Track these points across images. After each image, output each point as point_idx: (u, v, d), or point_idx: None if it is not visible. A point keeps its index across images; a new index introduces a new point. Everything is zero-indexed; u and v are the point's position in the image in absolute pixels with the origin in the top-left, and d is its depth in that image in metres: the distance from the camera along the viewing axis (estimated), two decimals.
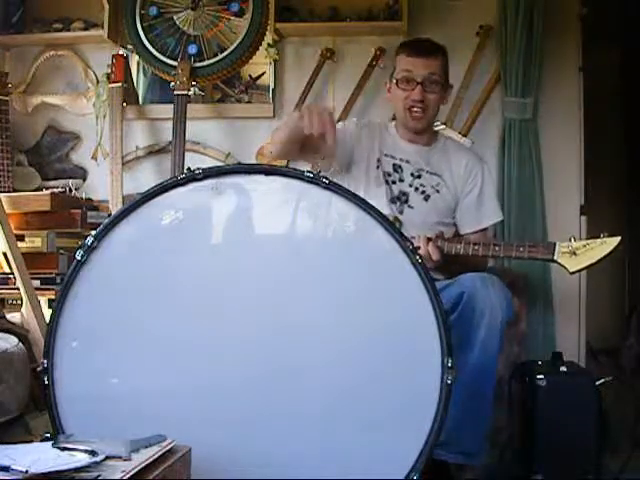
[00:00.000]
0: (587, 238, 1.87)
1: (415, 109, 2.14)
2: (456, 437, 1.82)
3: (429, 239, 1.93)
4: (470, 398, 1.81)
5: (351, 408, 1.49)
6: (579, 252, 1.84)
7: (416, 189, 2.19)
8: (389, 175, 2.20)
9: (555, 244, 1.87)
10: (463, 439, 1.86)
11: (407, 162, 2.21)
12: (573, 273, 1.87)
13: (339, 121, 2.50)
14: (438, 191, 2.20)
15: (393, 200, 2.17)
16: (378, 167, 2.20)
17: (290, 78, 3.18)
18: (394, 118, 2.38)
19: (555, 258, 1.86)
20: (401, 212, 2.16)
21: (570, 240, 1.86)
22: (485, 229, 2.27)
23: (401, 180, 2.20)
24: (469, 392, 1.81)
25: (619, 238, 1.81)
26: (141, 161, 3.23)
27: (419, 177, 2.20)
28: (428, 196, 2.19)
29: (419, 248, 1.52)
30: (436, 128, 2.91)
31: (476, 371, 1.83)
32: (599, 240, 1.83)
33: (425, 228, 2.08)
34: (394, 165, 2.21)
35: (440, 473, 1.89)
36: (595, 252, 1.83)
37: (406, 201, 2.18)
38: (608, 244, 1.82)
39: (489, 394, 1.89)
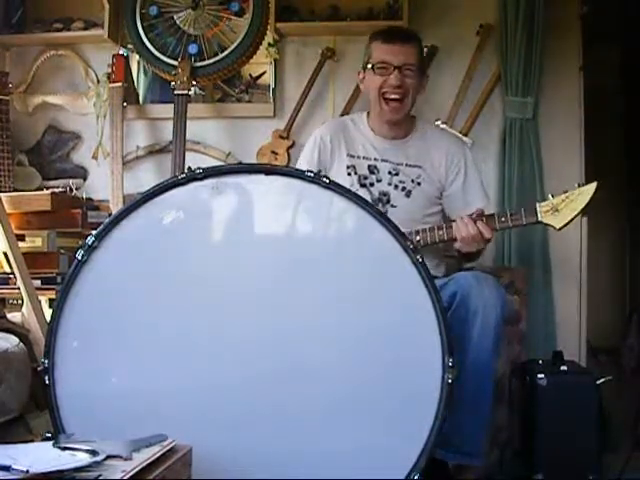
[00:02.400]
0: (564, 192, 1.87)
1: (392, 95, 2.08)
2: (456, 437, 1.82)
3: (474, 220, 1.92)
4: (468, 397, 1.81)
5: (352, 408, 1.49)
6: (561, 207, 1.85)
7: (396, 187, 2.16)
8: (365, 178, 2.17)
9: (535, 205, 1.88)
10: (463, 439, 1.85)
11: (383, 161, 2.17)
12: (560, 229, 1.89)
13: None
14: (419, 183, 2.16)
15: (374, 202, 2.12)
16: (350, 174, 2.17)
17: (290, 78, 3.18)
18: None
19: (540, 219, 1.87)
20: (385, 212, 2.09)
21: (548, 198, 1.87)
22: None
23: (379, 180, 2.17)
24: (466, 391, 1.81)
25: (595, 183, 1.83)
26: (142, 161, 3.23)
27: (397, 174, 2.17)
28: (409, 192, 2.16)
29: (419, 248, 1.52)
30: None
31: (472, 370, 1.82)
32: (577, 190, 1.85)
33: (412, 224, 2.06)
34: (369, 167, 2.18)
35: (440, 473, 1.89)
36: (576, 203, 1.84)
37: (388, 201, 2.16)
38: (587, 192, 1.84)
39: (487, 393, 1.88)
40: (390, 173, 2.17)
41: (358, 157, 2.19)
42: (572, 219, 1.86)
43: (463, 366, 1.80)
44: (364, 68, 2.18)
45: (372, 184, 2.17)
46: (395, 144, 2.20)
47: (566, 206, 1.85)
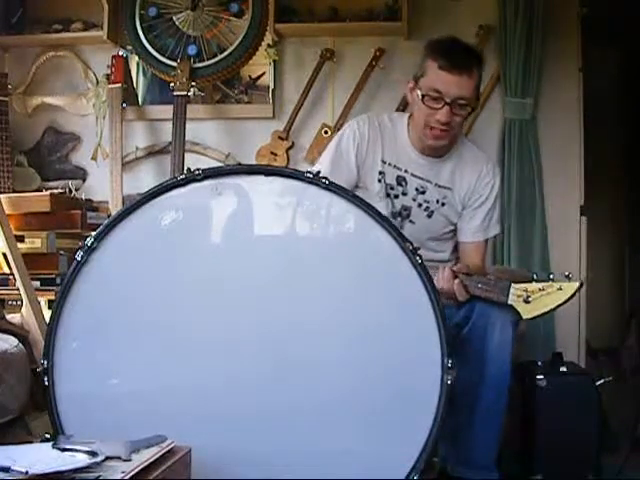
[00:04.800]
0: (545, 280, 1.70)
1: (438, 130, 1.94)
2: (475, 452, 1.83)
3: (455, 275, 1.79)
4: (486, 411, 1.81)
5: (352, 409, 1.49)
6: (534, 297, 1.68)
7: (419, 205, 2.06)
8: (392, 188, 2.05)
9: (509, 286, 1.72)
10: (481, 453, 1.85)
11: (413, 175, 2.06)
12: (526, 320, 1.74)
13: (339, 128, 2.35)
14: (443, 204, 2.07)
15: (394, 215, 2.05)
16: (380, 180, 2.06)
17: (290, 78, 3.18)
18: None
19: (508, 302, 1.72)
20: (401, 227, 2.03)
21: (532, 280, 1.71)
22: (483, 242, 2.14)
23: (404, 194, 2.06)
24: (484, 406, 1.81)
25: (577, 284, 1.66)
26: (141, 162, 3.23)
27: (423, 192, 2.06)
28: (432, 212, 2.07)
29: (418, 248, 1.52)
30: None
31: (490, 386, 1.81)
32: (557, 284, 1.68)
33: (428, 242, 2.06)
34: (398, 177, 2.06)
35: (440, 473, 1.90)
36: (551, 299, 1.68)
37: (408, 216, 2.07)
38: (565, 291, 1.67)
39: (503, 406, 1.86)
40: (417, 190, 2.06)
41: (389, 165, 2.06)
42: (541, 314, 1.71)
43: (482, 379, 1.79)
44: (416, 83, 1.98)
45: (397, 196, 2.06)
46: (430, 161, 2.07)
47: (540, 298, 1.70)
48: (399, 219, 2.06)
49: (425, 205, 2.07)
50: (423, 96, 1.93)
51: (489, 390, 1.81)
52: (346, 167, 2.06)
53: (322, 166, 2.03)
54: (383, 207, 2.02)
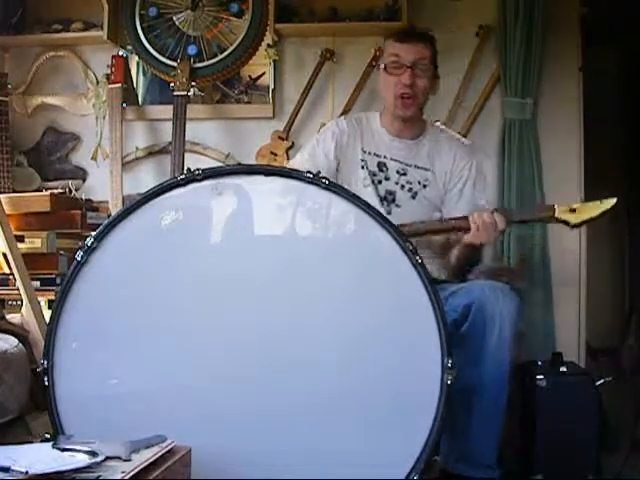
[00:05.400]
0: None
1: (405, 94, 2.09)
2: (475, 450, 1.83)
3: (492, 210, 1.97)
4: (485, 409, 1.82)
5: (351, 409, 1.49)
6: (577, 208, 1.91)
7: (402, 187, 2.16)
8: (374, 175, 2.16)
9: (553, 205, 1.94)
10: (482, 451, 1.86)
11: (392, 160, 2.18)
12: (574, 226, 1.93)
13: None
14: (425, 186, 2.16)
15: (380, 200, 2.13)
16: (363, 167, 2.17)
17: (290, 78, 3.18)
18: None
19: (556, 215, 1.92)
20: (389, 212, 2.11)
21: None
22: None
23: (387, 179, 2.17)
24: (483, 403, 1.81)
25: (614, 200, 1.90)
26: (141, 162, 3.23)
27: (405, 174, 2.17)
28: (415, 193, 2.16)
29: (417, 250, 1.52)
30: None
31: (489, 381, 1.82)
32: (597, 201, 1.92)
33: None
34: (379, 163, 2.18)
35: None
36: (593, 208, 1.91)
37: (393, 200, 2.15)
38: (605, 204, 1.91)
39: (502, 404, 1.87)
40: (398, 173, 2.17)
41: (369, 153, 2.18)
42: (587, 221, 1.91)
43: (481, 377, 1.81)
44: (380, 66, 2.19)
45: (380, 182, 2.16)
46: (406, 144, 2.19)
47: (583, 207, 1.92)
48: (385, 204, 2.14)
49: (408, 187, 2.16)
50: (385, 66, 2.12)
51: (488, 388, 1.82)
52: (325, 157, 2.18)
53: (301, 156, 2.22)
54: (369, 194, 2.10)
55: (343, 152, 2.18)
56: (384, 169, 2.17)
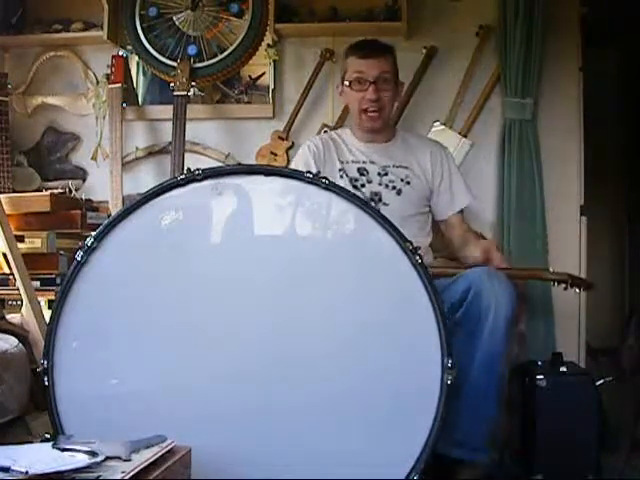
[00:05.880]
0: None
1: (370, 109, 2.20)
2: (460, 431, 1.83)
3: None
4: (474, 392, 1.83)
5: (351, 409, 1.50)
6: None
7: (386, 186, 2.24)
8: (356, 180, 2.25)
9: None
10: (467, 433, 1.86)
11: (371, 163, 2.27)
12: None
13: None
14: (409, 182, 2.26)
15: None
16: (342, 176, 2.24)
17: (290, 78, 3.17)
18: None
19: None
20: None
21: None
22: (460, 212, 2.39)
23: (369, 181, 2.25)
24: (473, 386, 1.82)
25: None
26: (141, 162, 3.23)
27: (386, 174, 2.25)
28: (400, 190, 2.24)
29: (419, 248, 1.52)
30: (434, 129, 2.94)
31: (482, 366, 1.85)
32: None
33: (404, 222, 2.06)
34: (359, 169, 2.27)
35: (440, 473, 1.89)
36: None
37: (380, 199, 2.22)
38: None
39: (493, 389, 1.89)
40: (379, 174, 2.26)
41: (347, 162, 2.29)
42: None
43: (472, 361, 1.83)
44: (342, 82, 2.28)
45: (363, 185, 2.24)
46: (379, 147, 2.31)
47: None
48: (373, 204, 2.15)
49: (392, 185, 2.25)
50: (350, 83, 2.22)
51: (480, 372, 1.84)
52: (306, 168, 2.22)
53: None
54: None
55: (322, 167, 2.26)
56: (365, 173, 2.26)
